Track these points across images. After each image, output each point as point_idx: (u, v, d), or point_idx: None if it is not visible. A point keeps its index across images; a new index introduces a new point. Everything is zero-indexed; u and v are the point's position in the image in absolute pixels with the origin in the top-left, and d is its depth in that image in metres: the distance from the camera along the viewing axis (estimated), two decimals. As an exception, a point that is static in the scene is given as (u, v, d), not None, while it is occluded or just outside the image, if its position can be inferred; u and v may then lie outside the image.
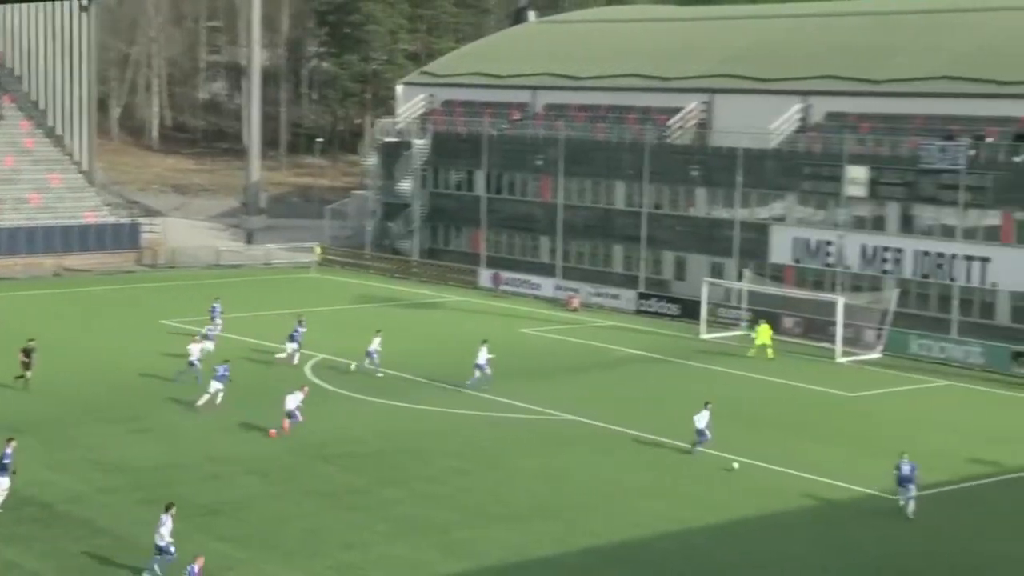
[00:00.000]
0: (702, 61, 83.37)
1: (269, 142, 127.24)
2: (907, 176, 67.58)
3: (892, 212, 68.84)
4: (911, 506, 39.24)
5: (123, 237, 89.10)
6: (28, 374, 52.14)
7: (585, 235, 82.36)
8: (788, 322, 66.46)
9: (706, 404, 45.60)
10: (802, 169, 71.61)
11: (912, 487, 39.35)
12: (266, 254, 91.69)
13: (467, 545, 35.78)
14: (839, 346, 62.71)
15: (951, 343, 62.95)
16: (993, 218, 65.45)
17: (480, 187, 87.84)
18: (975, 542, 37.45)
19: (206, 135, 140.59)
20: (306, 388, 48.12)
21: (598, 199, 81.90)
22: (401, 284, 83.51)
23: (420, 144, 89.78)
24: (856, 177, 69.35)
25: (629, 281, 78.70)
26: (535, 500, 39.71)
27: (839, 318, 63.05)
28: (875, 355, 63.18)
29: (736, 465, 43.30)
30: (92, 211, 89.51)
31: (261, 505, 38.70)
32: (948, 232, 66.67)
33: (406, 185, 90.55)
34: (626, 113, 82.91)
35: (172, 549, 32.73)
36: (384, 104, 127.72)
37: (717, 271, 74.23)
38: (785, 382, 57.35)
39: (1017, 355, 60.32)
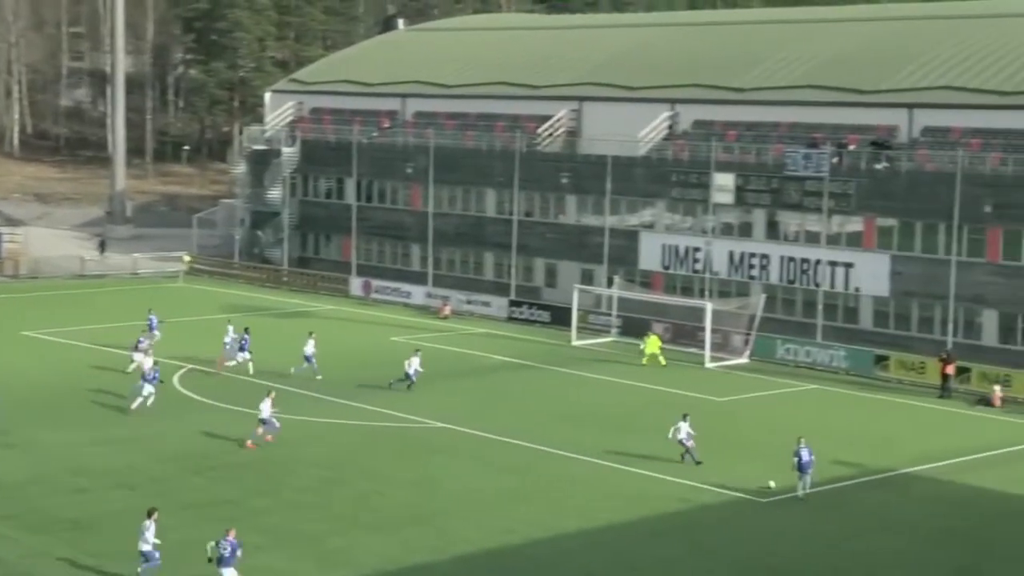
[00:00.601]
0: (570, 69, 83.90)
1: (135, 150, 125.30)
2: (772, 183, 68.66)
3: (759, 219, 69.88)
4: (803, 490, 41.33)
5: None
6: None
7: (456, 243, 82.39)
8: (658, 328, 67.06)
9: (684, 416, 45.39)
10: (670, 176, 72.40)
11: (809, 474, 41.38)
12: (133, 264, 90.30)
13: (341, 554, 35.54)
14: (708, 351, 63.45)
15: (816, 347, 64.04)
16: (856, 224, 66.74)
17: (350, 195, 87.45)
18: (842, 542, 38.08)
19: (69, 143, 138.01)
20: (273, 393, 47.90)
21: (468, 207, 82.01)
22: (271, 293, 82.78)
23: (289, 152, 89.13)
24: (723, 184, 70.31)
25: (500, 288, 78.89)
26: (407, 508, 39.58)
27: (708, 324, 63.82)
28: (743, 360, 64.05)
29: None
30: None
31: (129, 519, 38.01)
32: (813, 238, 67.84)
33: (275, 193, 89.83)
34: (496, 121, 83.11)
35: (157, 555, 32.67)
36: (252, 112, 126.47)
37: (587, 278, 74.70)
38: (655, 388, 57.85)
39: (880, 359, 61.56)
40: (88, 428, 47.79)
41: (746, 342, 64.88)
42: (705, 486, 42.71)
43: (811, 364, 63.10)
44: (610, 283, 71.36)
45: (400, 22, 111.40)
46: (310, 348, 57.62)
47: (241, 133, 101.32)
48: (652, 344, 62.83)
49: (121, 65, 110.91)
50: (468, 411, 52.17)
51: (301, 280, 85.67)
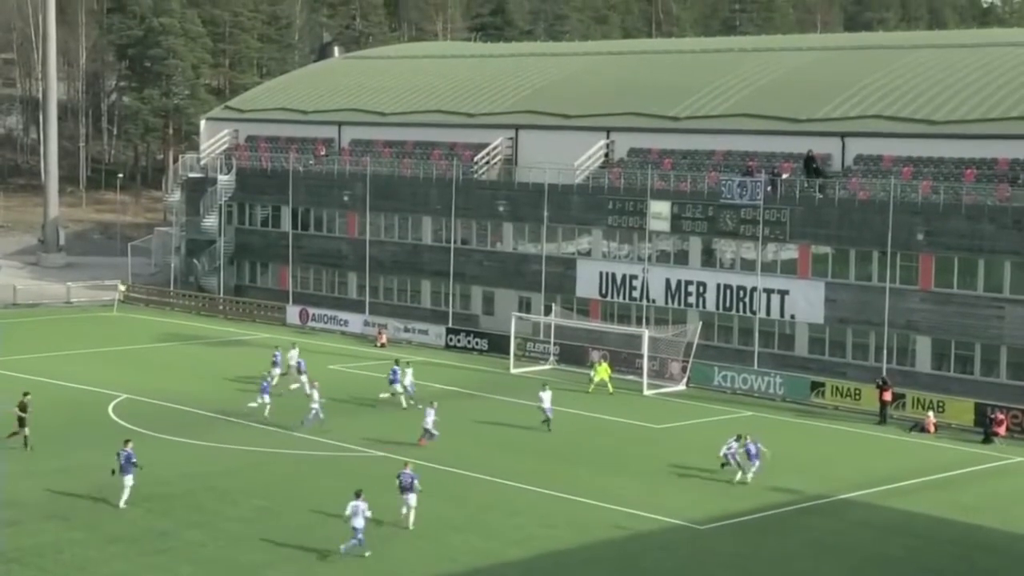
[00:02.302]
0: (507, 97, 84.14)
1: (68, 178, 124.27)
2: (708, 211, 69.08)
3: (695, 246, 70.25)
4: (750, 476, 46.00)
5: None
6: (26, 431, 48.59)
7: (393, 270, 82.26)
8: (595, 355, 67.18)
9: (738, 437, 47.54)
10: (607, 204, 72.68)
11: (757, 462, 46.25)
12: (67, 292, 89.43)
13: (277, 586, 35.27)
14: (646, 379, 63.64)
15: (753, 374, 64.39)
16: (791, 251, 67.25)
17: (287, 223, 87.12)
18: (779, 568, 38.24)
19: (1, 171, 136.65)
20: (436, 403, 51.32)
21: (405, 235, 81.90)
22: (207, 322, 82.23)
23: (224, 180, 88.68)
24: (659, 212, 70.66)
25: (438, 316, 78.80)
26: (345, 538, 39.31)
27: (645, 351, 64.02)
28: (680, 387, 64.29)
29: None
30: None
31: (62, 551, 37.57)
32: (748, 265, 68.28)
33: (211, 221, 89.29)
34: (432, 149, 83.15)
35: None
36: (187, 139, 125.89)
37: (525, 306, 74.79)
38: (593, 415, 57.92)
39: (816, 385, 61.99)
40: (20, 459, 47.12)
41: (683, 369, 65.15)
42: (642, 512, 42.78)
43: (748, 391, 63.44)
44: (548, 311, 71.43)
45: (336, 50, 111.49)
46: (409, 378, 57.92)
47: (176, 161, 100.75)
48: (602, 371, 63.03)
49: (53, 92, 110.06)
50: (407, 440, 51.95)
51: (237, 308, 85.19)
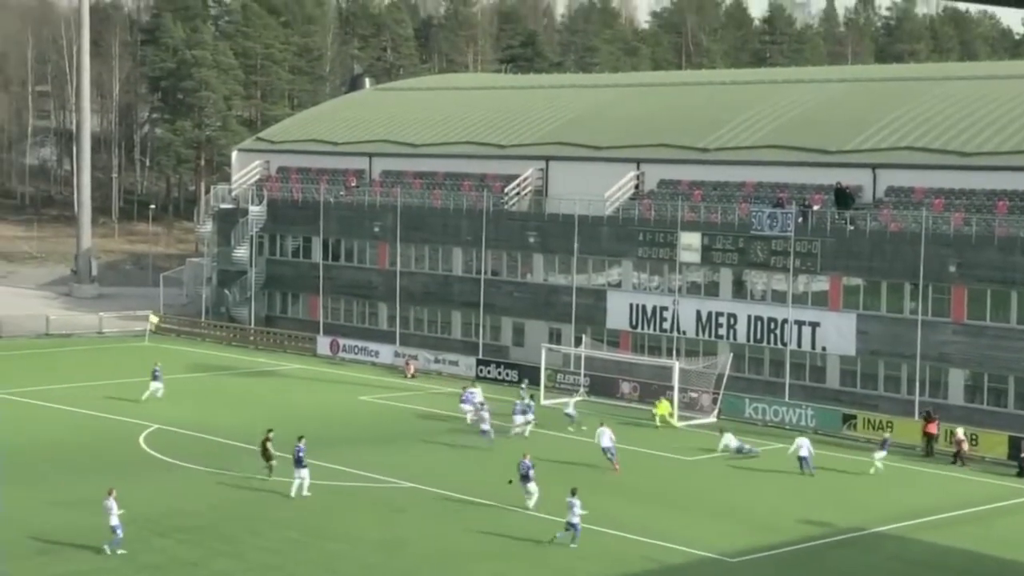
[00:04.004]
0: (537, 129, 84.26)
1: (101, 209, 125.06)
2: (739, 242, 68.94)
3: (725, 277, 70.10)
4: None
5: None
6: (273, 463, 49.74)
7: (423, 301, 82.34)
8: (625, 387, 67.02)
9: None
10: (637, 236, 72.62)
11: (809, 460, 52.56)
12: (99, 323, 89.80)
13: (307, 617, 35.24)
14: (676, 410, 63.42)
15: (784, 406, 64.11)
16: (822, 283, 67.03)
17: (317, 254, 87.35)
18: (811, 602, 38.01)
19: (34, 201, 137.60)
20: (604, 425, 53.97)
21: (436, 265, 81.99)
22: (238, 352, 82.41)
23: (256, 211, 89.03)
24: (689, 243, 70.54)
25: (468, 347, 78.79)
26: (372, 570, 39.29)
27: (675, 383, 63.83)
28: (711, 419, 64.04)
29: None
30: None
31: (93, 581, 37.68)
32: (779, 297, 68.08)
33: (242, 252, 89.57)
34: (463, 180, 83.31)
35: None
36: (219, 170, 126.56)
37: (555, 337, 74.72)
38: (624, 447, 57.63)
39: (847, 417, 61.67)
40: (52, 489, 47.31)
41: (714, 401, 64.92)
42: (673, 545, 42.59)
43: (779, 423, 63.16)
44: (578, 342, 71.31)
45: (367, 81, 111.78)
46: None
47: (208, 192, 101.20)
48: (662, 407, 62.86)
49: (87, 124, 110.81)
50: (437, 470, 51.91)
51: (268, 339, 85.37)
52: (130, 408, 62.55)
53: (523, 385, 66.28)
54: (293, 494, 46.85)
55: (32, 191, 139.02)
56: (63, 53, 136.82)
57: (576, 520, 41.96)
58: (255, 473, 50.20)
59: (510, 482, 46.63)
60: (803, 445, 53.67)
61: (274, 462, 49.75)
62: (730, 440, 56.70)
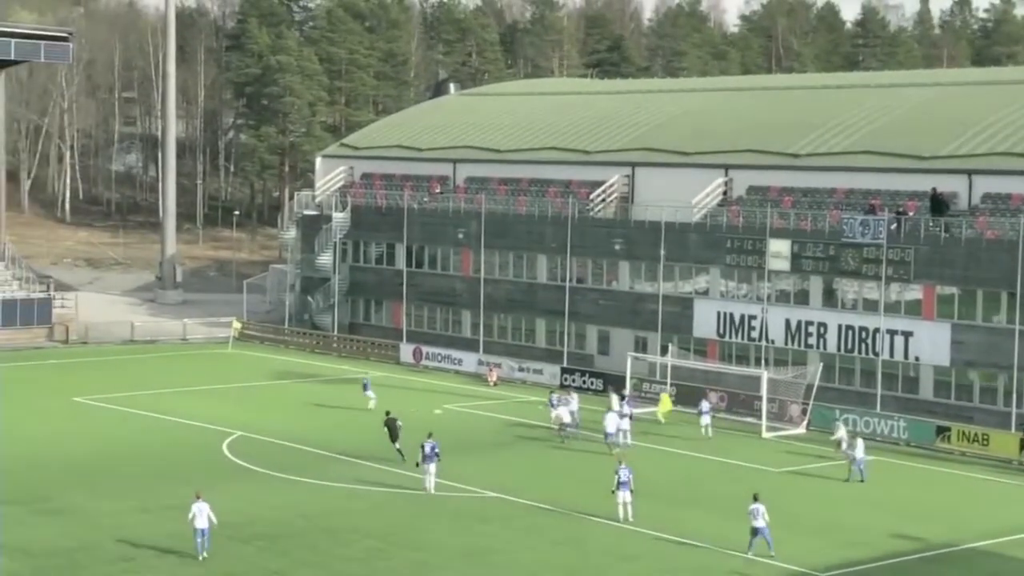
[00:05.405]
0: (623, 134, 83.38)
1: (185, 215, 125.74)
2: (829, 250, 67.62)
3: (815, 286, 68.81)
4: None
5: (33, 312, 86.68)
6: (397, 444, 53.10)
7: (508, 309, 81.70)
8: (713, 397, 65.93)
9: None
10: (725, 243, 71.50)
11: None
12: (183, 329, 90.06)
13: (390, 630, 34.65)
14: (764, 421, 62.29)
15: (875, 417, 62.73)
16: (915, 292, 65.57)
17: (401, 261, 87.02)
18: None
19: (120, 208, 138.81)
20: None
21: (520, 273, 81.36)
22: (321, 359, 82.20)
23: (339, 217, 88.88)
24: (779, 251, 69.34)
25: (553, 355, 78.01)
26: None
27: (764, 393, 62.68)
28: (800, 430, 62.80)
29: None
30: (1, 286, 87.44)
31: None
32: (871, 306, 66.67)
33: (325, 259, 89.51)
34: (548, 186, 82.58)
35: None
36: (303, 176, 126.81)
37: (641, 345, 73.77)
38: (712, 458, 56.72)
39: (941, 429, 60.20)
40: (136, 495, 47.18)
41: (803, 412, 63.68)
42: (761, 559, 41.55)
43: (870, 434, 61.72)
44: (664, 351, 70.31)
45: (451, 86, 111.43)
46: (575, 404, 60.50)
47: (291, 198, 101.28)
48: (664, 403, 63.83)
49: (172, 130, 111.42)
50: (521, 480, 51.21)
51: (351, 346, 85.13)
52: (213, 415, 62.45)
53: (624, 391, 64.70)
54: (431, 488, 48.46)
55: (118, 197, 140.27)
56: (149, 60, 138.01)
57: (761, 524, 41.40)
58: (340, 481, 49.80)
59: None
60: (858, 446, 53.46)
61: (398, 444, 52.61)
62: (843, 434, 56.40)
